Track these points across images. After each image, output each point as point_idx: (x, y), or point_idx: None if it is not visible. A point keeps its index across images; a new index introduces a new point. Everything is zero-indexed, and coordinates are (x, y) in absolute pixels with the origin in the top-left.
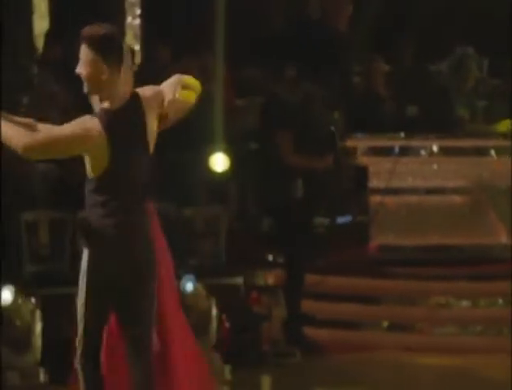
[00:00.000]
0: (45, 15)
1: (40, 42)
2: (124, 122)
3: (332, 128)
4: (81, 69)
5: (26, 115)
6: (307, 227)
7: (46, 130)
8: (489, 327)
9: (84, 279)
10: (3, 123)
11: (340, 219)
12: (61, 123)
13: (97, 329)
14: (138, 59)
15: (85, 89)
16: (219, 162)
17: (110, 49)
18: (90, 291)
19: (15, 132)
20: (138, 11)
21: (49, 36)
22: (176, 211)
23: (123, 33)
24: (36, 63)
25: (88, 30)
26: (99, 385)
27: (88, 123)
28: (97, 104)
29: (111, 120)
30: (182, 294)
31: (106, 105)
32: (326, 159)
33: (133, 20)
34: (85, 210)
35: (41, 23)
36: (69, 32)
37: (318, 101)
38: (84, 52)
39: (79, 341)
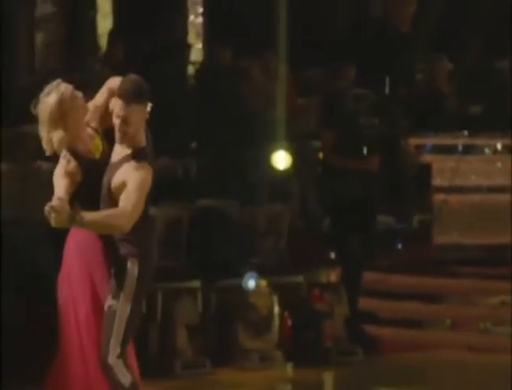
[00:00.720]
0: (108, 14)
1: (103, 41)
2: None
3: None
4: (123, 127)
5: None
6: (368, 226)
7: (125, 201)
8: None
9: (134, 286)
10: (93, 215)
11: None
12: None
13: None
14: (200, 57)
15: (121, 141)
16: (281, 160)
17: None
18: (138, 297)
19: (107, 218)
20: (200, 10)
21: (112, 35)
22: (239, 210)
23: (185, 32)
24: (99, 62)
25: (123, 86)
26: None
27: (144, 168)
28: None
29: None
30: (245, 292)
31: (142, 143)
32: (370, 162)
33: (195, 19)
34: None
35: (104, 23)
36: (132, 31)
37: (367, 105)
38: (124, 108)
39: (121, 342)
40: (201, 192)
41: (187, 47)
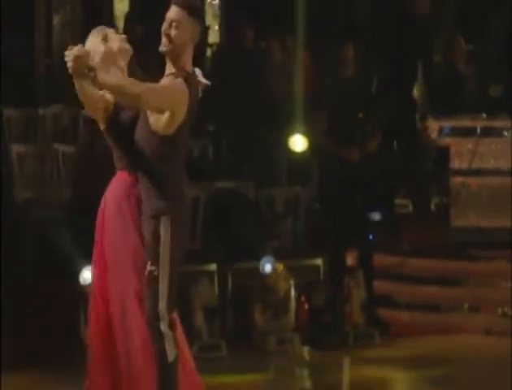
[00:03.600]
0: None
1: (120, 23)
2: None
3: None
4: (170, 30)
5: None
6: (386, 209)
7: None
8: None
9: (169, 247)
10: (108, 77)
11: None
12: None
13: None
14: (217, 38)
15: (166, 49)
16: (299, 142)
17: (198, 14)
18: (175, 261)
19: (126, 82)
20: None
21: (129, 17)
22: (256, 192)
23: (203, 12)
24: None
25: None
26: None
27: (179, 81)
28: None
29: (190, 82)
30: (262, 275)
31: (186, 67)
32: (352, 152)
33: (213, 0)
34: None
35: (121, 5)
36: (148, 13)
37: (361, 89)
38: (174, 14)
39: (167, 307)
40: (218, 174)
41: (204, 29)
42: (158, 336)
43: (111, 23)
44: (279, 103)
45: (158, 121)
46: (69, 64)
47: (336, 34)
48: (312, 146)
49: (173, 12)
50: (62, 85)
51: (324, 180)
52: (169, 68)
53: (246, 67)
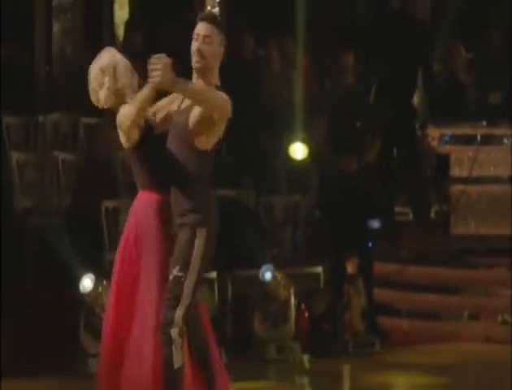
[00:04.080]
0: (124, 4)
1: (120, 31)
2: None
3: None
4: (203, 46)
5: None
6: (386, 217)
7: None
8: None
9: (201, 257)
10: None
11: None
12: None
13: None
14: None
15: (200, 65)
16: (299, 150)
17: (223, 29)
18: (202, 270)
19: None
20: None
21: (128, 25)
22: (256, 200)
23: None
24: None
25: (207, 12)
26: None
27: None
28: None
29: None
30: (262, 283)
31: (216, 82)
32: (350, 161)
33: (212, 9)
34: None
35: (121, 13)
36: (148, 22)
37: (360, 97)
38: (205, 30)
39: (183, 315)
40: (218, 182)
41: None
42: (167, 342)
43: (111, 31)
44: (279, 111)
45: (203, 135)
46: (157, 73)
47: (336, 40)
48: (312, 154)
49: (203, 28)
50: (61, 93)
51: (324, 189)
52: (199, 84)
53: (246, 76)
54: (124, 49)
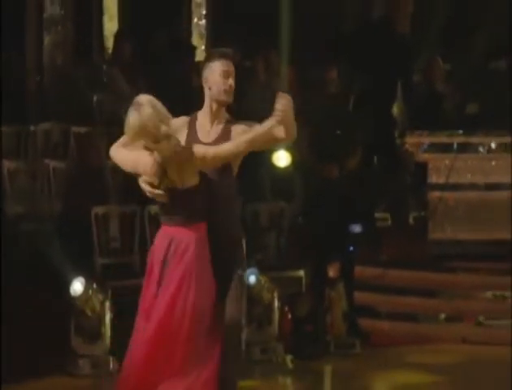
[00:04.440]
0: (114, 16)
1: (109, 42)
2: None
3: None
4: (232, 82)
5: (98, 111)
6: (367, 222)
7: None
8: None
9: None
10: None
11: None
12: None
13: None
14: (202, 59)
15: (229, 100)
16: (282, 158)
17: None
18: None
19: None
20: (204, 12)
21: (118, 36)
22: (242, 206)
23: (189, 33)
24: (106, 62)
25: (223, 50)
26: None
27: None
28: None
29: None
30: (246, 287)
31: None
32: (331, 168)
33: (199, 21)
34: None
35: (110, 25)
36: (137, 33)
37: (344, 106)
38: (230, 67)
39: None
40: None
41: (192, 48)
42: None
43: (101, 43)
44: (263, 121)
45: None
46: (281, 117)
47: (321, 53)
48: (295, 162)
49: (226, 65)
50: (52, 103)
51: (307, 196)
52: (224, 116)
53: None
54: (114, 60)
